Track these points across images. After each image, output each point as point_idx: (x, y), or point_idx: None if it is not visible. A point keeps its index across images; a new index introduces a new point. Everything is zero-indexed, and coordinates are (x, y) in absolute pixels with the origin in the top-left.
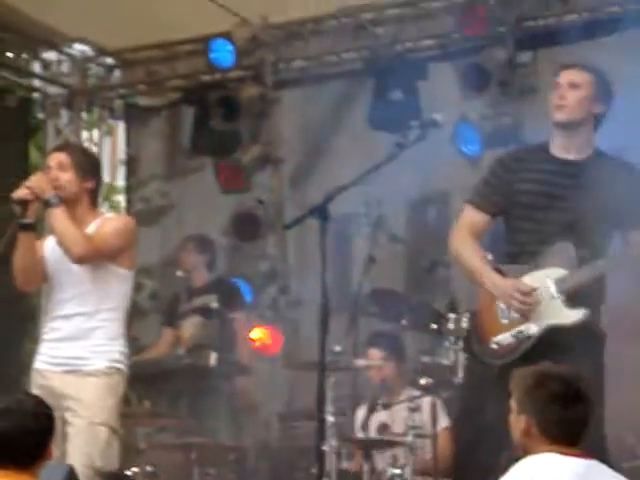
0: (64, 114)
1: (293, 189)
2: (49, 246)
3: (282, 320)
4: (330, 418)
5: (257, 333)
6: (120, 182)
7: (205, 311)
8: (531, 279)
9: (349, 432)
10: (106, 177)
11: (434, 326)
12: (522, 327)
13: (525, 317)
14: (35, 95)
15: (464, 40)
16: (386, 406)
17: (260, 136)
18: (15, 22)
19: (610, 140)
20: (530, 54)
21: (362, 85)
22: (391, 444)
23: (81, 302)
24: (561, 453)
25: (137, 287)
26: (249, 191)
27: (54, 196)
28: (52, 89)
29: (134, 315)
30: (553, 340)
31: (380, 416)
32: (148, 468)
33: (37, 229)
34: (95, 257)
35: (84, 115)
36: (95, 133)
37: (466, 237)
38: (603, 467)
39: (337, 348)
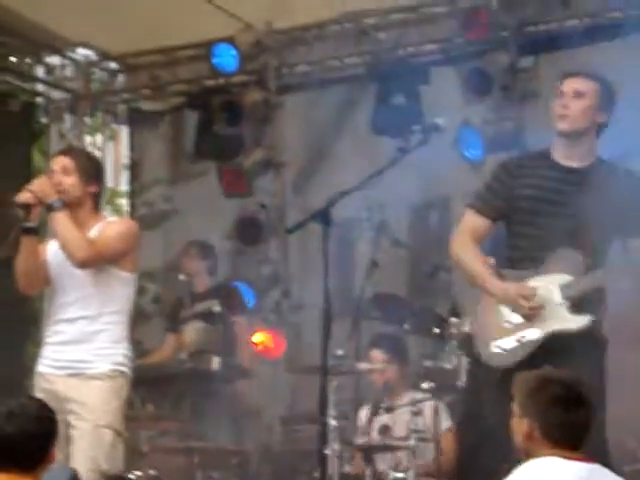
0: (67, 118)
1: (296, 193)
2: (52, 250)
3: (284, 324)
4: (332, 422)
5: (259, 337)
6: (123, 186)
7: (207, 316)
8: (536, 284)
9: (351, 434)
10: (109, 181)
11: (436, 330)
12: (525, 331)
13: (530, 321)
14: (38, 99)
15: (466, 45)
16: (389, 409)
17: (263, 140)
18: (18, 26)
19: (611, 146)
20: (532, 59)
21: (365, 90)
22: (393, 448)
23: (84, 305)
24: (564, 457)
25: (140, 291)
26: (252, 195)
27: (57, 200)
28: (55, 93)
29: (137, 319)
30: (555, 345)
31: (382, 418)
32: (151, 471)
33: (40, 233)
34: (98, 261)
35: (87, 119)
36: (98, 137)
37: (467, 242)
38: (605, 471)
39: (339, 352)
